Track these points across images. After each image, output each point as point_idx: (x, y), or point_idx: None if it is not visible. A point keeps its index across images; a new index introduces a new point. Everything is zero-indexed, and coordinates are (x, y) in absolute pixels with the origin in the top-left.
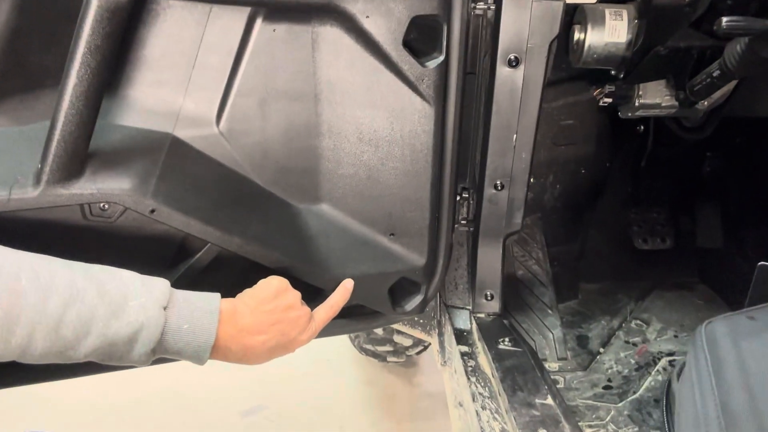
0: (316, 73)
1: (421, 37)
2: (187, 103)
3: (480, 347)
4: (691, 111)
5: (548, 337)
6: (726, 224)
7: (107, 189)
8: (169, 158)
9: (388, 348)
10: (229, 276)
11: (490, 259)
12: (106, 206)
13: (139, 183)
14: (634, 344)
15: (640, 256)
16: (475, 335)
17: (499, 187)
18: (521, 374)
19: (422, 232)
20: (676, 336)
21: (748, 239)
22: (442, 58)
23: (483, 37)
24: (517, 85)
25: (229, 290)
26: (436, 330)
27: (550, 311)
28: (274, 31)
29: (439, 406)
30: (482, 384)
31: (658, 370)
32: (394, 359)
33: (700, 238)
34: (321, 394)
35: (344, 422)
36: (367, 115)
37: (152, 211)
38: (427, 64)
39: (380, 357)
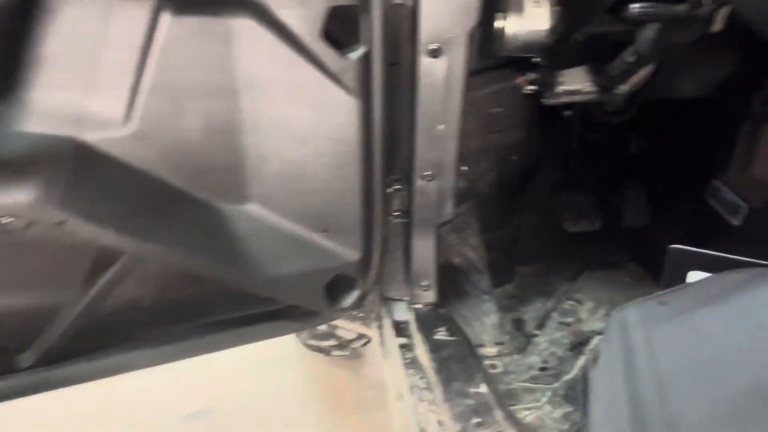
0: (234, 67)
1: (342, 28)
2: (92, 104)
3: (417, 338)
4: (612, 95)
5: (485, 322)
6: (652, 204)
7: (9, 202)
8: (75, 165)
9: (332, 342)
10: (152, 285)
11: (424, 249)
12: (11, 220)
13: (44, 193)
14: (568, 324)
15: (572, 238)
16: (413, 326)
17: (429, 178)
18: (457, 363)
19: (355, 226)
20: (607, 314)
21: (673, 218)
22: (363, 49)
23: (405, 27)
24: (440, 76)
25: (154, 300)
26: (377, 323)
27: (486, 297)
28: (183, 24)
29: (386, 397)
30: (420, 375)
31: (591, 349)
32: (339, 353)
33: (628, 218)
34: (265, 393)
35: (289, 420)
36: (291, 110)
37: (60, 222)
38: (349, 56)
39: (325, 351)
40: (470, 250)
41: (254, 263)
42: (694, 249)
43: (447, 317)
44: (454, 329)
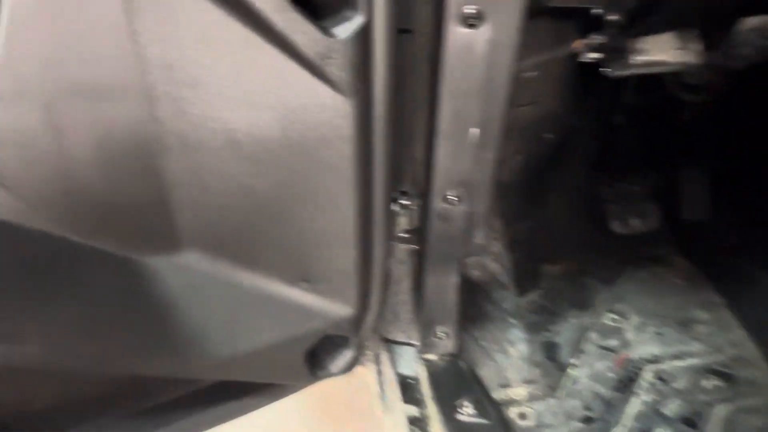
0: (144, 53)
1: None
2: None
3: (432, 413)
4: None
5: (510, 354)
6: (714, 191)
7: None
8: None
9: None
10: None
11: (442, 289)
12: None
13: None
14: (612, 350)
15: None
16: (425, 390)
17: (454, 201)
18: None
19: (347, 271)
20: (658, 333)
21: (739, 209)
22: (360, 19)
23: None
24: (477, 55)
25: (52, 399)
26: (375, 367)
27: (512, 320)
28: None
29: (378, 404)
30: None
31: (644, 387)
32: None
33: (686, 210)
34: None
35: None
36: (244, 117)
37: None
38: (336, 31)
39: None
40: (491, 260)
41: (198, 340)
42: None
43: (472, 380)
44: (482, 402)
